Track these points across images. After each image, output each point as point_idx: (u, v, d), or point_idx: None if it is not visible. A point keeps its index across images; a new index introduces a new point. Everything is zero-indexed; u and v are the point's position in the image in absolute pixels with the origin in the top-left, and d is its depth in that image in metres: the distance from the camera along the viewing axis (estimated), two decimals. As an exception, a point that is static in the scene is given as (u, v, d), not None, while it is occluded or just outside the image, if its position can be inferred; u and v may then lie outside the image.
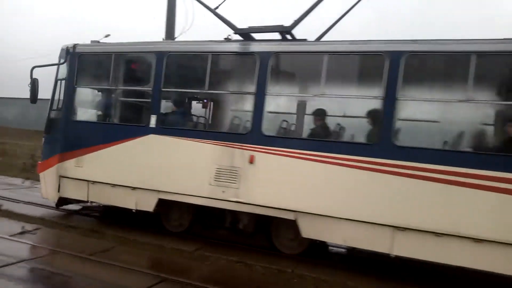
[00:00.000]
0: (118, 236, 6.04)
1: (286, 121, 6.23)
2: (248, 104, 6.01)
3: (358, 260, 5.99)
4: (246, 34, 6.24)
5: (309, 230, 5.39)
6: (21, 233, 5.72)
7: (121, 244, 5.68)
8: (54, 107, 7.23)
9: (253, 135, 5.61)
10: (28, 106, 31.39)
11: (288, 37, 6.03)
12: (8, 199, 7.99)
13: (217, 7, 6.71)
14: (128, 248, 5.58)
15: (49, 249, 5.09)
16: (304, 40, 5.87)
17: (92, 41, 7.19)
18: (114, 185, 6.47)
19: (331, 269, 5.35)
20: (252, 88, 5.70)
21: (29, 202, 7.97)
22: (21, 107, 32.28)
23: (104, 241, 5.78)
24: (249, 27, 6.23)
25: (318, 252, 6.12)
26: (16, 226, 6.03)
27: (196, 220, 6.59)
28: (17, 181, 10.76)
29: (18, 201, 7.95)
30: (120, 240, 5.86)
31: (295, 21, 6.03)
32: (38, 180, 10.50)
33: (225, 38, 6.21)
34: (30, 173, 12.06)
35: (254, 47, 5.82)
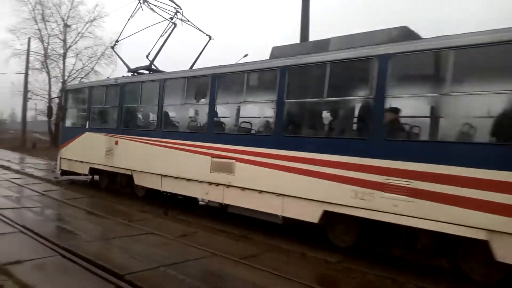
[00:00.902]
0: (265, 243, 6.37)
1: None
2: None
3: None
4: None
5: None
6: (183, 235, 6.50)
7: (267, 251, 5.96)
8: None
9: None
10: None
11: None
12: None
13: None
14: (274, 254, 5.82)
15: (207, 251, 5.64)
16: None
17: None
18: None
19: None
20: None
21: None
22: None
23: (252, 247, 6.15)
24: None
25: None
26: (180, 229, 6.91)
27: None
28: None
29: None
30: (266, 247, 6.16)
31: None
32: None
33: None
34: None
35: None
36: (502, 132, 4.76)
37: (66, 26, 30.63)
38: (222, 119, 8.43)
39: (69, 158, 11.93)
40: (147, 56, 10.67)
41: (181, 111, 9.23)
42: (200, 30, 11.39)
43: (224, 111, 8.66)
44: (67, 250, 5.21)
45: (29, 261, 4.81)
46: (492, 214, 4.52)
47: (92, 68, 31.42)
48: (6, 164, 17.27)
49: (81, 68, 31.44)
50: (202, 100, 8.63)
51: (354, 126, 6.60)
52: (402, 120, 5.89)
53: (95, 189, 11.04)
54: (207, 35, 11.21)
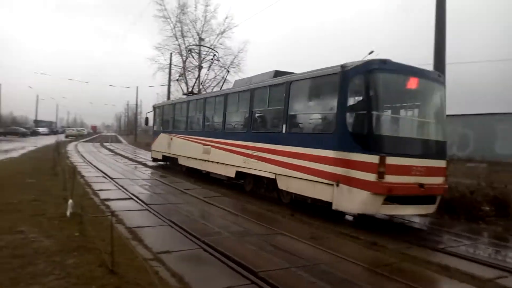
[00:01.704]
0: (399, 252, 5.98)
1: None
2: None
3: None
4: None
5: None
6: (311, 238, 6.51)
7: (402, 260, 5.57)
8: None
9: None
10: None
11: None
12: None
13: None
14: (410, 265, 5.41)
15: (336, 256, 5.54)
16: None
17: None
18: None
19: None
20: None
21: (313, 215, 9.03)
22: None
23: (384, 255, 5.83)
24: None
25: None
26: (308, 232, 6.95)
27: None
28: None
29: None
30: (401, 256, 5.77)
31: None
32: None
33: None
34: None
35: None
36: (329, 128, 7.88)
37: (200, 39, 33.88)
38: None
39: (154, 150, 19.58)
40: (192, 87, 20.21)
41: (204, 119, 14.18)
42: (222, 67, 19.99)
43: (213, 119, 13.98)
44: (208, 245, 5.70)
45: (176, 252, 5.39)
46: (275, 166, 9.22)
47: (223, 77, 34.04)
48: (154, 164, 19.78)
49: (213, 78, 34.35)
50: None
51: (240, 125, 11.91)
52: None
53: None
54: (227, 70, 22.50)
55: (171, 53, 33.37)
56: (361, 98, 7.41)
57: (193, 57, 31.59)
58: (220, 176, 12.44)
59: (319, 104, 9.11)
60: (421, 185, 7.04)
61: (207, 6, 33.44)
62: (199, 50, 34.11)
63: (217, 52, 24.87)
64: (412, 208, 7.42)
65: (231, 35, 34.16)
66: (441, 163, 7.68)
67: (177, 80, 34.40)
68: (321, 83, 8.58)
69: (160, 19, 33.26)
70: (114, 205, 8.45)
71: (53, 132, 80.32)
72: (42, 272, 4.14)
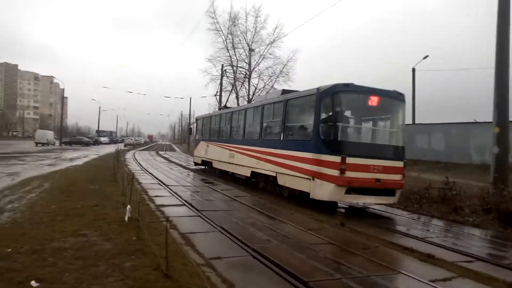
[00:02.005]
0: (455, 265, 5.65)
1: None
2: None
3: None
4: None
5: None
6: (364, 249, 6.34)
7: (461, 275, 5.26)
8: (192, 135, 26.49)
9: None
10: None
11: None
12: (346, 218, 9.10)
13: None
14: (471, 281, 5.09)
15: (390, 268, 5.34)
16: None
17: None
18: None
19: None
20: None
21: (364, 223, 8.78)
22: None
23: (440, 269, 5.52)
24: None
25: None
26: (360, 242, 6.76)
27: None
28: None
29: (357, 220, 8.90)
30: (460, 270, 5.45)
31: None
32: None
33: None
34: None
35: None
36: (309, 135, 9.88)
37: (250, 50, 34.43)
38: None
39: (195, 155, 22.63)
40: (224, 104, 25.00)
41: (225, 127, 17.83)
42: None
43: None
44: (257, 252, 5.74)
45: (227, 258, 5.48)
46: (276, 166, 11.34)
47: (272, 86, 34.33)
48: (206, 171, 20.25)
49: (263, 87, 34.72)
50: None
51: (254, 133, 14.05)
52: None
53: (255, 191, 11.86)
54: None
55: (222, 65, 34.21)
56: (329, 113, 9.53)
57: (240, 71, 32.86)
58: (241, 176, 15.14)
59: (304, 117, 10.97)
60: (378, 180, 9.07)
61: (257, 17, 34.01)
62: (249, 61, 34.68)
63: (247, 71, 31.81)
64: (372, 198, 9.49)
65: (280, 44, 34.37)
66: (398, 164, 9.69)
67: (229, 90, 35.26)
68: (305, 101, 10.75)
69: (213, 31, 34.28)
70: (168, 211, 8.78)
71: (113, 141, 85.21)
72: (103, 273, 4.40)
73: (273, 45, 34.03)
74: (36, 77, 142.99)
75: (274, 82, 34.17)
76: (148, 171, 19.18)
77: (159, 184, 14.05)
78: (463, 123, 23.73)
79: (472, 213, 9.87)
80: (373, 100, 9.49)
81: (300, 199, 10.56)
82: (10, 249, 5.09)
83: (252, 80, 35.10)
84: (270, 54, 34.38)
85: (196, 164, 22.52)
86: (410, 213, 10.24)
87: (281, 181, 11.23)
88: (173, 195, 11.40)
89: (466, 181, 14.12)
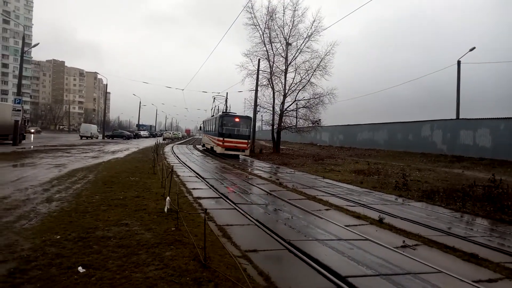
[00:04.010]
0: (501, 266, 5.40)
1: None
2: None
3: None
4: None
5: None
6: (403, 246, 6.18)
7: (507, 276, 5.02)
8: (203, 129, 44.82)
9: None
10: (395, 129, 34.32)
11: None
12: (387, 213, 8.92)
13: None
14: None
15: (430, 267, 5.18)
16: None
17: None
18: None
19: None
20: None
21: (405, 219, 8.54)
22: (388, 131, 35.70)
23: (486, 269, 5.30)
24: None
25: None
26: (397, 240, 6.60)
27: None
28: (391, 197, 11.83)
29: (395, 216, 8.69)
30: (506, 271, 5.19)
31: None
32: (410, 198, 11.10)
33: None
34: (402, 191, 12.93)
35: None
36: (217, 130, 29.71)
37: (287, 44, 34.14)
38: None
39: (202, 142, 44.48)
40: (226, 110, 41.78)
41: (215, 128, 30.89)
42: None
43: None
44: (293, 246, 5.74)
45: (263, 251, 5.53)
46: (213, 142, 31.94)
47: (309, 80, 33.94)
48: (241, 166, 20.45)
49: (299, 81, 34.41)
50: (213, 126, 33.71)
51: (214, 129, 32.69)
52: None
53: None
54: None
55: (259, 59, 34.15)
56: (221, 123, 28.52)
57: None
58: (210, 149, 33.31)
59: (217, 123, 29.51)
60: (236, 145, 28.01)
61: (295, 10, 33.52)
62: (286, 55, 34.42)
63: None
64: (234, 152, 28.20)
65: (318, 38, 33.85)
66: (245, 140, 28.52)
67: (265, 85, 35.27)
68: (217, 118, 30.41)
69: (250, 26, 34.30)
70: (205, 203, 8.96)
71: (152, 135, 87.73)
72: (144, 262, 4.57)
73: (310, 39, 33.62)
74: (81, 73, 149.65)
75: (311, 76, 33.74)
76: (186, 164, 19.63)
77: (196, 177, 14.34)
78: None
79: (520, 213, 9.36)
80: (236, 118, 29.05)
81: (220, 155, 28.24)
82: (59, 236, 5.39)
83: (288, 74, 35.01)
84: (308, 47, 33.94)
85: (203, 147, 41.04)
86: (452, 211, 9.84)
87: (215, 149, 29.74)
88: (210, 187, 11.60)
89: (514, 179, 13.39)
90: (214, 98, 42.74)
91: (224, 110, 37.23)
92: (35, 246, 4.90)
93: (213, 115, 36.83)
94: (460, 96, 28.93)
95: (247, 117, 30.23)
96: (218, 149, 28.40)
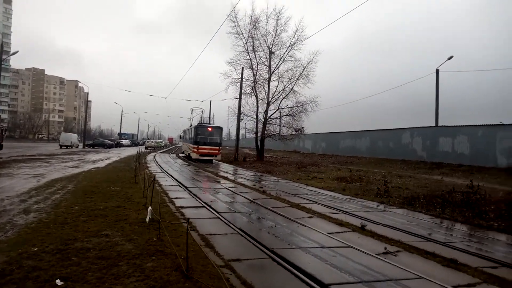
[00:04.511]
0: (479, 271, 5.51)
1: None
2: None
3: None
4: None
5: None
6: (384, 253, 6.25)
7: (485, 281, 5.12)
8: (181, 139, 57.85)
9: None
10: (376, 137, 34.81)
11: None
12: (369, 220, 9.01)
13: None
14: (496, 287, 4.95)
15: (410, 272, 5.24)
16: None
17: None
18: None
19: None
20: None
21: (386, 225, 8.64)
22: (370, 139, 36.22)
23: (464, 274, 5.41)
24: None
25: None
26: (379, 246, 6.66)
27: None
28: (373, 204, 11.97)
29: (377, 223, 8.78)
30: (484, 276, 5.31)
31: None
32: (391, 204, 11.26)
33: None
34: (384, 197, 13.10)
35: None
36: (193, 138, 34.24)
37: (271, 53, 34.37)
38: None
39: (183, 149, 46.75)
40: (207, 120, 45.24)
41: (191, 137, 35.00)
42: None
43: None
44: (276, 254, 5.74)
45: (246, 260, 5.50)
46: (190, 149, 35.96)
47: (292, 89, 34.22)
48: (225, 175, 20.40)
49: (282, 90, 34.64)
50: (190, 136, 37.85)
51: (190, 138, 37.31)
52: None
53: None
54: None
55: (242, 68, 34.23)
56: (196, 132, 32.41)
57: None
58: (188, 155, 36.85)
59: (193, 133, 33.89)
60: (209, 152, 31.93)
61: (278, 20, 33.80)
62: (269, 64, 34.64)
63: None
64: (208, 157, 31.92)
65: (301, 46, 34.23)
66: (216, 147, 32.42)
67: (249, 93, 35.34)
68: (192, 128, 35.24)
69: (233, 35, 34.44)
70: (188, 212, 8.87)
71: (134, 144, 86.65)
72: (124, 273, 4.48)
73: (293, 48, 33.95)
74: (61, 81, 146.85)
75: (294, 85, 34.03)
76: (168, 173, 19.43)
77: (179, 186, 14.21)
78: (489, 125, 23.06)
79: (497, 218, 9.60)
80: (209, 128, 33.30)
81: (195, 161, 31.67)
82: (36, 248, 5.25)
83: (272, 82, 35.18)
84: (291, 56, 34.24)
85: (182, 154, 44.87)
86: (432, 217, 10.02)
87: (191, 155, 33.46)
88: (193, 197, 11.50)
89: (491, 185, 13.77)
90: (192, 110, 46.04)
91: (201, 121, 38.03)
92: (10, 259, 4.75)
93: (191, 125, 40.06)
94: (439, 103, 29.62)
95: (219, 127, 34.30)
96: (194, 155, 32.03)
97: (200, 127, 32.71)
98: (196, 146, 31.91)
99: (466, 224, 9.39)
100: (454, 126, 26.28)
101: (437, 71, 29.91)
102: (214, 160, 32.52)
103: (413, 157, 28.89)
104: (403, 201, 12.31)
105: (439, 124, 28.73)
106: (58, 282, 4.10)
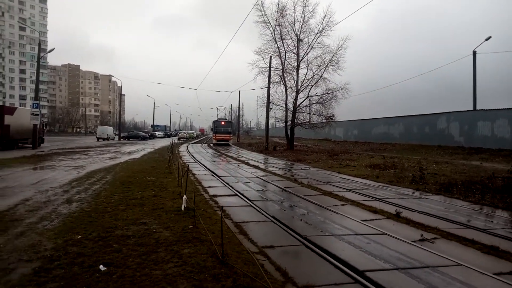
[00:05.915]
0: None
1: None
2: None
3: None
4: None
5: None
6: (421, 240, 6.13)
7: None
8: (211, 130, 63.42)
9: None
10: (410, 123, 33.88)
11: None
12: (404, 207, 8.84)
13: None
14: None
15: (449, 260, 5.13)
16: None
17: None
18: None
19: None
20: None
21: (422, 212, 8.45)
22: (404, 124, 35.26)
23: (506, 262, 5.22)
24: None
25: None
26: (415, 233, 6.54)
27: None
28: (408, 191, 11.71)
29: (413, 210, 8.60)
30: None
31: None
32: (427, 191, 10.96)
33: None
34: (419, 184, 12.78)
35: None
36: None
37: (299, 40, 33.98)
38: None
39: (213, 139, 51.74)
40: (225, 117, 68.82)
41: (212, 129, 55.74)
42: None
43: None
44: (309, 241, 5.76)
45: (279, 247, 5.56)
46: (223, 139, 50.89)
47: (321, 76, 33.74)
48: (255, 164, 20.54)
49: (312, 77, 34.24)
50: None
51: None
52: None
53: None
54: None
55: (270, 57, 34.01)
56: (215, 125, 50.71)
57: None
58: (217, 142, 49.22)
59: (213, 126, 52.58)
60: (223, 138, 49.30)
61: (305, 6, 33.32)
62: (297, 51, 34.26)
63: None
64: (222, 142, 48.73)
65: (330, 33, 33.56)
66: (228, 135, 50.46)
67: (278, 82, 35.17)
68: (212, 122, 55.32)
69: (260, 24, 34.26)
70: (221, 201, 9.04)
71: (167, 135, 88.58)
72: (163, 259, 4.65)
73: (322, 34, 33.37)
74: (96, 76, 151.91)
75: (324, 72, 33.51)
76: (201, 163, 19.78)
77: (212, 175, 14.45)
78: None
79: (542, 204, 9.16)
80: (222, 122, 51.46)
81: (226, 150, 35.46)
82: (80, 236, 5.53)
83: (300, 70, 34.79)
84: (319, 43, 33.68)
85: (214, 144, 48.71)
86: (471, 204, 9.69)
87: (213, 140, 51.08)
88: (225, 185, 11.68)
89: (535, 170, 13.08)
90: (217, 109, 69.94)
91: (219, 118, 58.45)
92: (57, 246, 5.04)
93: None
94: (476, 87, 28.38)
95: (229, 121, 56.56)
96: (214, 141, 49.33)
97: (216, 122, 50.80)
98: (214, 135, 49.90)
99: (508, 210, 9.02)
100: (493, 109, 25.13)
101: (474, 53, 28.59)
102: (242, 150, 37.26)
103: (449, 143, 27.94)
104: (439, 187, 11.97)
105: (477, 108, 27.56)
106: (101, 267, 4.32)
